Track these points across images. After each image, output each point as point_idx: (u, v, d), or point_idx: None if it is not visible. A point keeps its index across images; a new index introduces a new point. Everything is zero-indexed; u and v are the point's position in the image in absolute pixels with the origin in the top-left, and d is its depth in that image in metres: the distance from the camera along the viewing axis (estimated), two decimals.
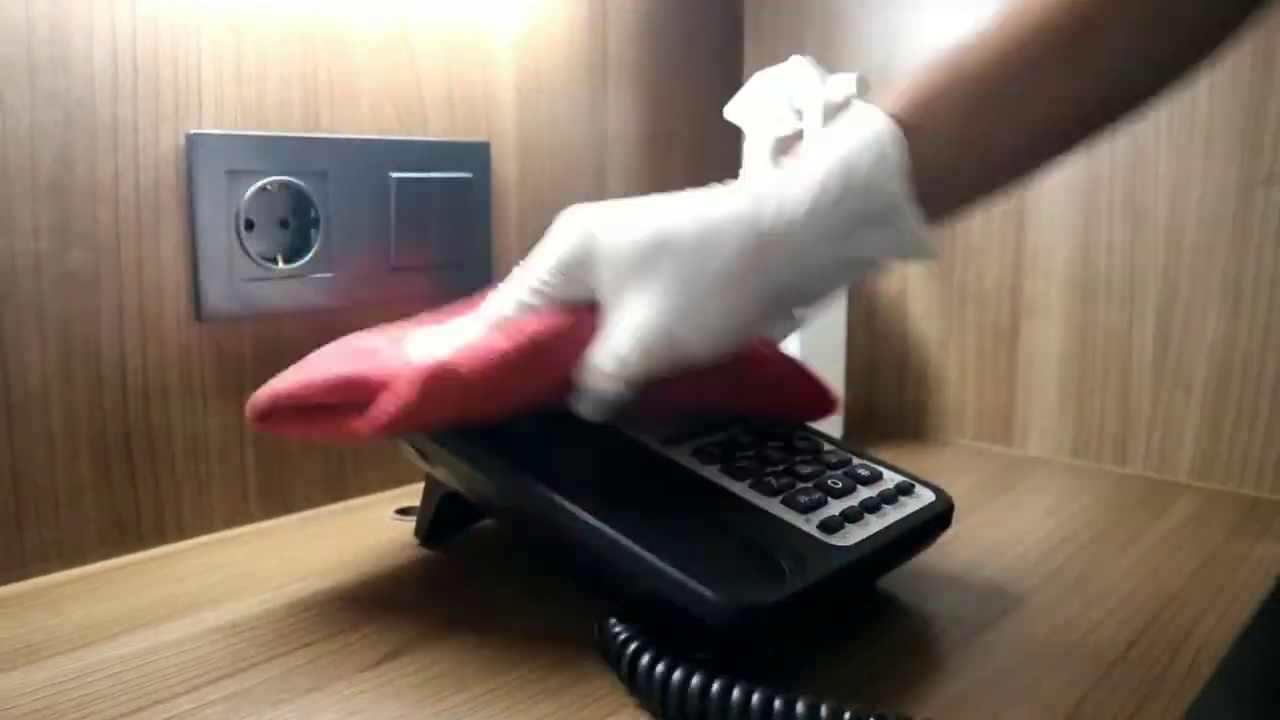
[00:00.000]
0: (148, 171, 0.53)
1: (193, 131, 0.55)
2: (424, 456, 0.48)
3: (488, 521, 0.57)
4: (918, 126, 0.39)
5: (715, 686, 0.35)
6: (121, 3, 0.51)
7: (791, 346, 0.71)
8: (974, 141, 0.39)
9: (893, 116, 0.39)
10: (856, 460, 0.50)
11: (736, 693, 0.35)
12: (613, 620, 0.40)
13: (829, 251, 0.40)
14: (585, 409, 0.44)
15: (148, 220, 0.54)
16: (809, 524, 0.43)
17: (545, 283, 0.43)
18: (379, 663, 0.42)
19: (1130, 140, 0.68)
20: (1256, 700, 0.57)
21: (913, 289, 0.80)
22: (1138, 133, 0.68)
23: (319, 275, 0.60)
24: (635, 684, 0.38)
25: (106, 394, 0.53)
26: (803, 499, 0.44)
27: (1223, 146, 0.65)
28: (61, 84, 0.50)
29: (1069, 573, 0.52)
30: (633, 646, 0.38)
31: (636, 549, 0.39)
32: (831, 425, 0.75)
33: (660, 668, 0.37)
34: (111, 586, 0.50)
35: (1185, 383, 0.68)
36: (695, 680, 0.36)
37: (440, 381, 0.41)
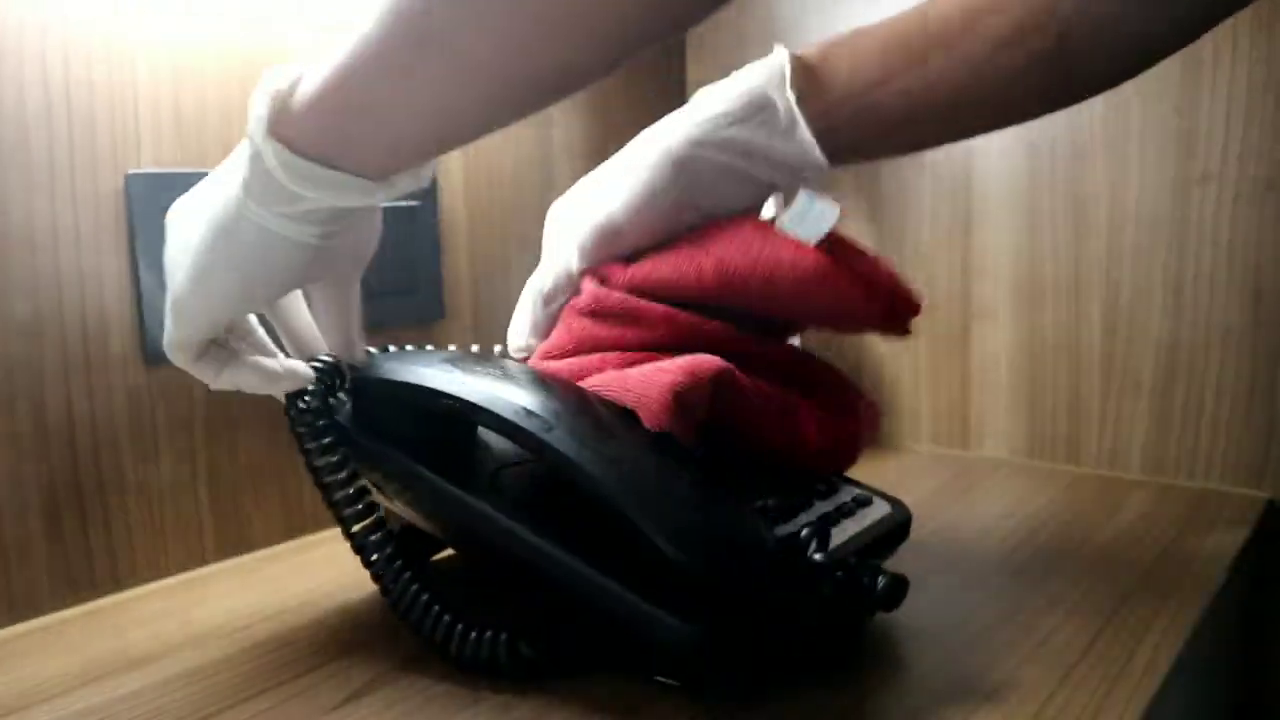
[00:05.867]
0: (87, 215, 0.53)
1: (132, 172, 0.54)
2: (380, 490, 0.48)
3: (448, 552, 0.56)
4: (815, 66, 0.50)
5: None
6: (53, 48, 0.51)
7: None
8: (861, 94, 0.49)
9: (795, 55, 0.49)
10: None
11: None
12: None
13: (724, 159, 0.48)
14: None
15: (89, 265, 0.53)
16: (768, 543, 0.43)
17: None
18: (344, 703, 0.41)
19: (1069, 143, 0.70)
20: (1210, 691, 0.58)
21: None
22: (1076, 136, 0.69)
23: None
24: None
25: (54, 444, 0.52)
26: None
27: (1157, 148, 0.66)
28: None
29: (1029, 574, 0.53)
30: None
31: (599, 578, 0.39)
32: None
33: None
34: (65, 639, 0.49)
35: (1133, 380, 0.69)
36: None
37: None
